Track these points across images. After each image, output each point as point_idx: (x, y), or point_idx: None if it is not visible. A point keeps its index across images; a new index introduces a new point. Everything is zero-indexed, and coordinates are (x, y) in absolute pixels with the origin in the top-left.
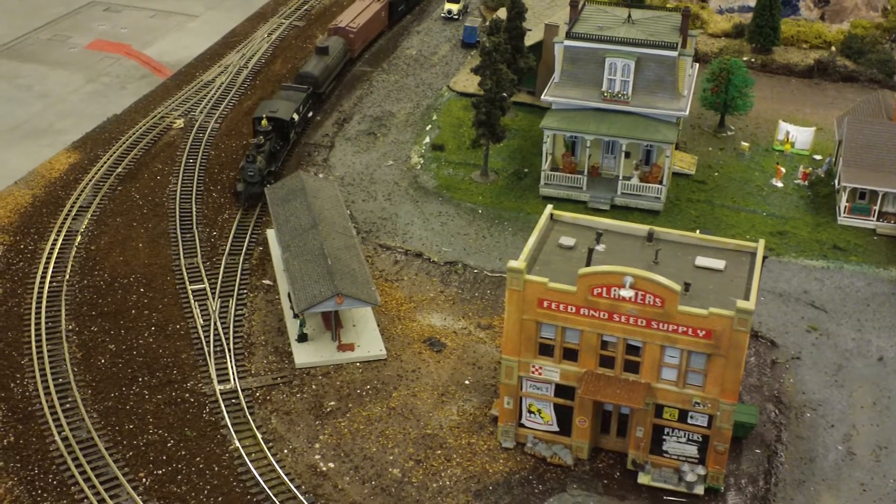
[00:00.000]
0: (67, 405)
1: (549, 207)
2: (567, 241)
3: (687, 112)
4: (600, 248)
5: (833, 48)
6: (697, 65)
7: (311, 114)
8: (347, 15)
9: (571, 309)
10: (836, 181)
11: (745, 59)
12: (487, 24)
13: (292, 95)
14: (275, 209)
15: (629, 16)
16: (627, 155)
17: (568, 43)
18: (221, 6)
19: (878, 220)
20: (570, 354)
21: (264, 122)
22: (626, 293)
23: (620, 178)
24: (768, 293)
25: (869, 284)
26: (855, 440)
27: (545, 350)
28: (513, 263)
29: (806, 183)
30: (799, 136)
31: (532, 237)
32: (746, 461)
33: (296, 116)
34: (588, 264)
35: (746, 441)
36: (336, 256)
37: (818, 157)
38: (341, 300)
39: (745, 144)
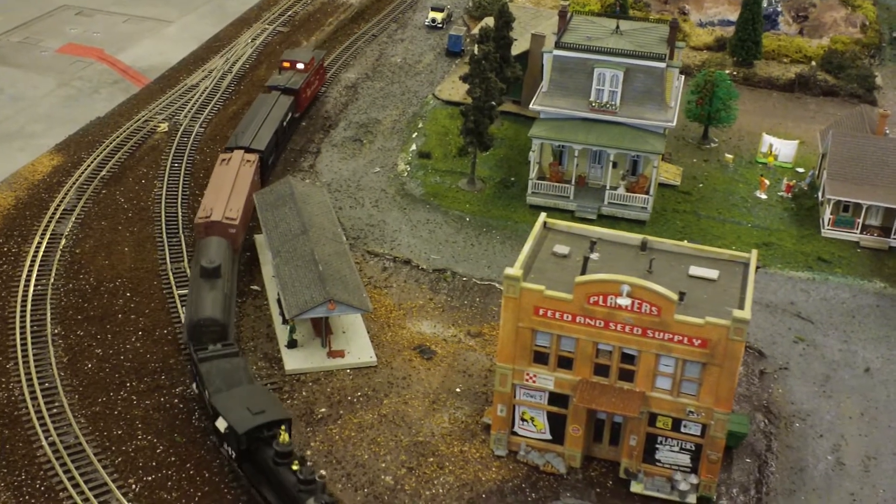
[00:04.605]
0: (54, 410)
1: (543, 216)
2: (561, 249)
3: (674, 123)
4: (594, 256)
5: (814, 63)
6: (684, 76)
7: None
8: (216, 198)
9: (567, 317)
10: (820, 194)
11: (727, 71)
12: (473, 32)
13: (230, 370)
14: (264, 214)
15: (617, 26)
16: (615, 165)
17: (557, 52)
18: (196, 12)
19: (861, 232)
20: (565, 362)
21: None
22: (623, 302)
23: (607, 187)
24: (755, 304)
25: (854, 296)
26: (844, 450)
27: (540, 358)
28: (509, 271)
29: (790, 195)
30: (782, 148)
31: (526, 245)
32: (738, 470)
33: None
34: (583, 273)
35: (737, 450)
36: (327, 262)
37: (801, 169)
38: (333, 306)
39: (729, 156)
